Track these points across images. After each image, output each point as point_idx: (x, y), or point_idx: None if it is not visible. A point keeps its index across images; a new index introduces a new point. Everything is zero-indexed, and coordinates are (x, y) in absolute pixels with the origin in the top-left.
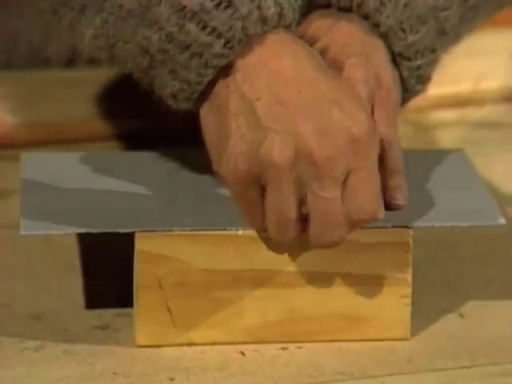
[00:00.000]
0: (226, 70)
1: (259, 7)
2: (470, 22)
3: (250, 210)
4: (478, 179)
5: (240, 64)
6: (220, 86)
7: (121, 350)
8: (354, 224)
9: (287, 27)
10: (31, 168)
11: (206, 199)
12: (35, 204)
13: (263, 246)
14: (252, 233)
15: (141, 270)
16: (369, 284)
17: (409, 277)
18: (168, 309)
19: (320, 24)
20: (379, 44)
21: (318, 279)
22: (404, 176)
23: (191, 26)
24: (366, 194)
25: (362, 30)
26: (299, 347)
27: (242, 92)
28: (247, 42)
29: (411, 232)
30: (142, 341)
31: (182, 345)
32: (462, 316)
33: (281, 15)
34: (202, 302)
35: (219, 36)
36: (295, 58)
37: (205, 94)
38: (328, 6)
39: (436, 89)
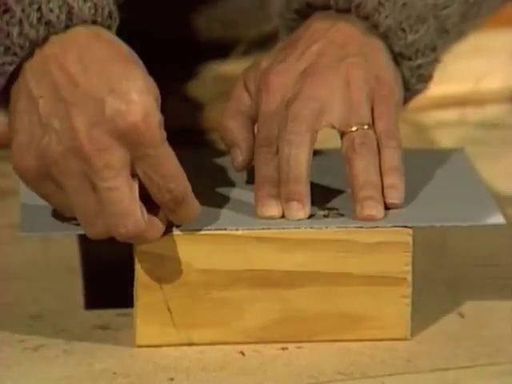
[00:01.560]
0: (17, 72)
1: (39, 9)
2: (473, 19)
3: (55, 204)
4: (478, 179)
5: (27, 65)
6: (13, 89)
7: (121, 349)
8: (165, 204)
9: (94, 22)
10: None
11: (206, 199)
12: (35, 204)
13: (263, 246)
14: (252, 233)
15: (141, 270)
16: (369, 284)
17: (409, 277)
18: (168, 309)
19: (319, 26)
20: (379, 44)
21: (318, 279)
22: (402, 174)
23: None
24: (159, 179)
25: (361, 30)
26: (299, 347)
27: (28, 90)
28: (32, 44)
29: (411, 232)
30: (142, 341)
31: (182, 345)
32: (462, 316)
33: (70, 13)
34: (202, 302)
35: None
36: (82, 52)
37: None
38: (326, 7)
39: (436, 89)
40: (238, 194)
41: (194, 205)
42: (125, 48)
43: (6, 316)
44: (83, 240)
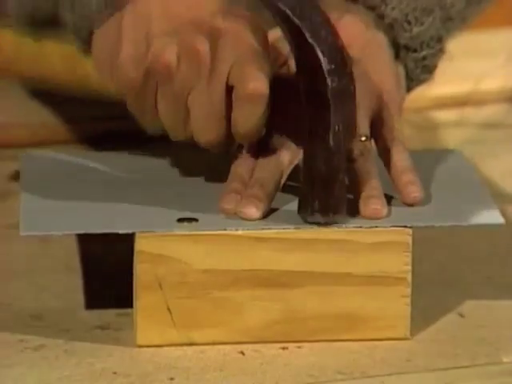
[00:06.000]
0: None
1: None
2: (477, 4)
3: (145, 116)
4: (478, 179)
5: None
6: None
7: (121, 349)
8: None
9: None
10: (31, 168)
11: (207, 199)
12: (35, 204)
13: (263, 246)
14: (252, 233)
15: (141, 270)
16: (369, 284)
17: (409, 277)
18: (168, 309)
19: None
20: (382, 40)
21: (318, 279)
22: (416, 173)
23: None
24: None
25: (366, 24)
26: (299, 347)
27: (136, 9)
28: None
29: (411, 232)
30: (142, 341)
31: (182, 345)
32: (461, 316)
33: None
34: (201, 302)
35: None
36: None
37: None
38: None
39: (436, 89)
40: None
41: None
42: None
43: (5, 316)
44: (83, 240)
